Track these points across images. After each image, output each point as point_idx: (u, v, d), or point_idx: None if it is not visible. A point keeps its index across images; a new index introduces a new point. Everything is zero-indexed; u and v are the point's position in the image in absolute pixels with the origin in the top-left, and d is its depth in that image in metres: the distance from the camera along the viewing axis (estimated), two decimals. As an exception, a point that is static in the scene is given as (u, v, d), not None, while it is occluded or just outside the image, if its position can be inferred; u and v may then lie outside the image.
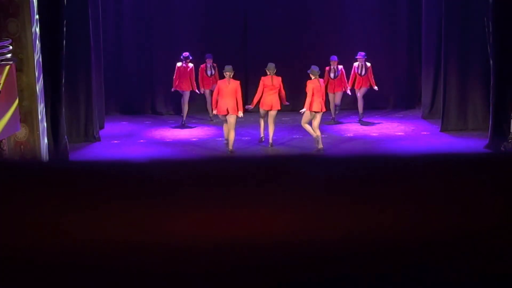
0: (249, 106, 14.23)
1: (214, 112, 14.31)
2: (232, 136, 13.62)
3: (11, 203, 1.16)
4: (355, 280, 1.15)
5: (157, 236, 1.13)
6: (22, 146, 12.28)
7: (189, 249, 1.13)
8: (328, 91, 15.82)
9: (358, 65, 16.07)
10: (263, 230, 1.14)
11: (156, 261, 1.14)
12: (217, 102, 13.79)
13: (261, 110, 14.04)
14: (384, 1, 17.87)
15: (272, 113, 13.90)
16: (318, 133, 13.82)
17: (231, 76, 13.75)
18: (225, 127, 13.90)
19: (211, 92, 15.94)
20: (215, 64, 16.41)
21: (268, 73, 14.00)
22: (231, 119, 13.53)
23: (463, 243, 1.16)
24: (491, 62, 14.00)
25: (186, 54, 16.07)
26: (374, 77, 16.26)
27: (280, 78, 14.07)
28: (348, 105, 16.92)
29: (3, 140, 11.88)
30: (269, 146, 14.05)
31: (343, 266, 1.15)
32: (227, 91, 13.59)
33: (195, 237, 1.13)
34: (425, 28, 16.75)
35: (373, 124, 16.38)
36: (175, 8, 17.69)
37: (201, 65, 16.53)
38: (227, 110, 13.53)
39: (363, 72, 16.05)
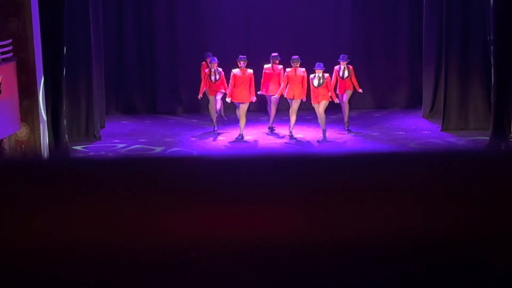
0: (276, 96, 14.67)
1: (228, 100, 14.68)
2: (243, 122, 14.58)
3: (12, 202, 1.16)
4: (355, 280, 1.15)
5: (158, 235, 1.13)
6: (22, 145, 12.28)
7: (189, 249, 1.13)
8: (312, 102, 14.48)
9: (340, 67, 15.10)
10: (263, 230, 1.14)
11: (156, 261, 1.14)
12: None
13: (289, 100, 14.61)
14: (385, 1, 17.86)
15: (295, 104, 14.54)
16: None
17: (245, 65, 14.56)
18: (241, 118, 14.54)
19: (215, 98, 15.26)
20: (220, 69, 15.22)
21: (293, 65, 14.52)
22: (245, 106, 14.49)
23: (463, 243, 1.16)
24: (492, 61, 14.01)
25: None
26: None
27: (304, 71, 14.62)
28: (349, 104, 16.89)
29: (4, 139, 11.89)
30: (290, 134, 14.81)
31: (343, 267, 1.15)
32: (242, 80, 14.43)
33: (196, 236, 1.13)
34: (426, 27, 16.74)
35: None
36: (176, 7, 17.68)
37: (205, 70, 15.39)
38: (242, 98, 14.41)
39: (346, 75, 15.05)
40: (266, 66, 15.11)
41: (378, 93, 18.00)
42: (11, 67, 11.69)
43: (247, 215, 1.13)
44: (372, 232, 1.14)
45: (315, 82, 14.35)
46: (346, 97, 15.08)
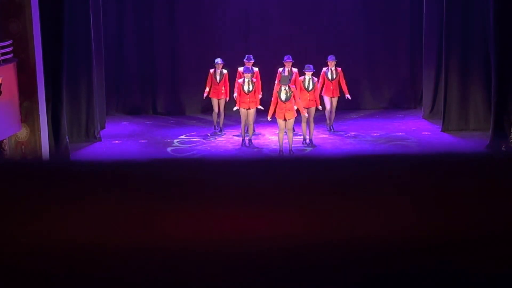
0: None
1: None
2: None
3: (12, 203, 1.16)
4: (354, 281, 1.15)
5: (158, 237, 1.13)
6: (23, 146, 12.28)
7: (190, 250, 1.13)
8: (277, 117, 13.41)
9: (328, 69, 14.86)
10: (263, 232, 1.14)
11: (157, 261, 1.14)
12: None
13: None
14: (386, 1, 17.86)
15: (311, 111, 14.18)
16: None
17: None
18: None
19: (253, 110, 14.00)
20: (255, 79, 14.33)
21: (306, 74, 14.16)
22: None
23: (463, 243, 1.16)
24: (492, 62, 14.01)
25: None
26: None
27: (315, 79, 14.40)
28: (349, 104, 16.89)
29: (4, 140, 11.89)
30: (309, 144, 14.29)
31: (341, 267, 1.15)
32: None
33: (196, 238, 1.13)
34: (426, 28, 16.74)
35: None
36: (176, 8, 17.68)
37: (239, 80, 14.43)
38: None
39: (334, 76, 14.85)
40: (281, 69, 14.87)
41: (379, 94, 18.01)
42: (11, 68, 11.69)
43: (245, 217, 1.14)
44: (370, 234, 1.14)
45: (283, 97, 13.26)
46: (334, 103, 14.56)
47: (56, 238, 1.14)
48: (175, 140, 14.89)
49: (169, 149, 14.36)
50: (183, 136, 15.30)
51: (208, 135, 15.29)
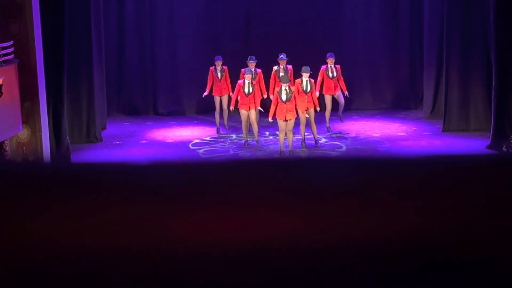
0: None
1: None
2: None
3: (13, 204, 1.17)
4: (354, 283, 1.16)
5: (158, 238, 1.14)
6: (24, 147, 12.29)
7: (190, 252, 1.13)
8: (278, 118, 13.36)
9: (327, 67, 14.86)
10: (263, 233, 1.14)
11: (157, 264, 1.14)
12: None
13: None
14: (386, 1, 17.86)
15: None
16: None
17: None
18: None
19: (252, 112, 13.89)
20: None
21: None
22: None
23: (464, 244, 1.17)
24: (493, 62, 14.00)
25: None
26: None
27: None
28: (349, 105, 16.89)
29: (6, 141, 11.90)
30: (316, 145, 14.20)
31: (341, 269, 1.16)
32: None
33: (196, 239, 1.13)
34: (427, 28, 16.74)
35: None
36: (177, 8, 17.68)
37: (239, 81, 14.34)
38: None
39: (334, 74, 14.85)
40: (275, 68, 14.86)
41: (379, 95, 18.00)
42: (12, 69, 11.69)
43: (245, 219, 1.14)
44: (371, 235, 1.15)
45: (283, 97, 13.18)
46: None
47: (56, 241, 1.15)
48: (200, 150, 14.70)
49: (200, 152, 14.28)
50: (195, 141, 15.23)
51: (218, 135, 15.28)
